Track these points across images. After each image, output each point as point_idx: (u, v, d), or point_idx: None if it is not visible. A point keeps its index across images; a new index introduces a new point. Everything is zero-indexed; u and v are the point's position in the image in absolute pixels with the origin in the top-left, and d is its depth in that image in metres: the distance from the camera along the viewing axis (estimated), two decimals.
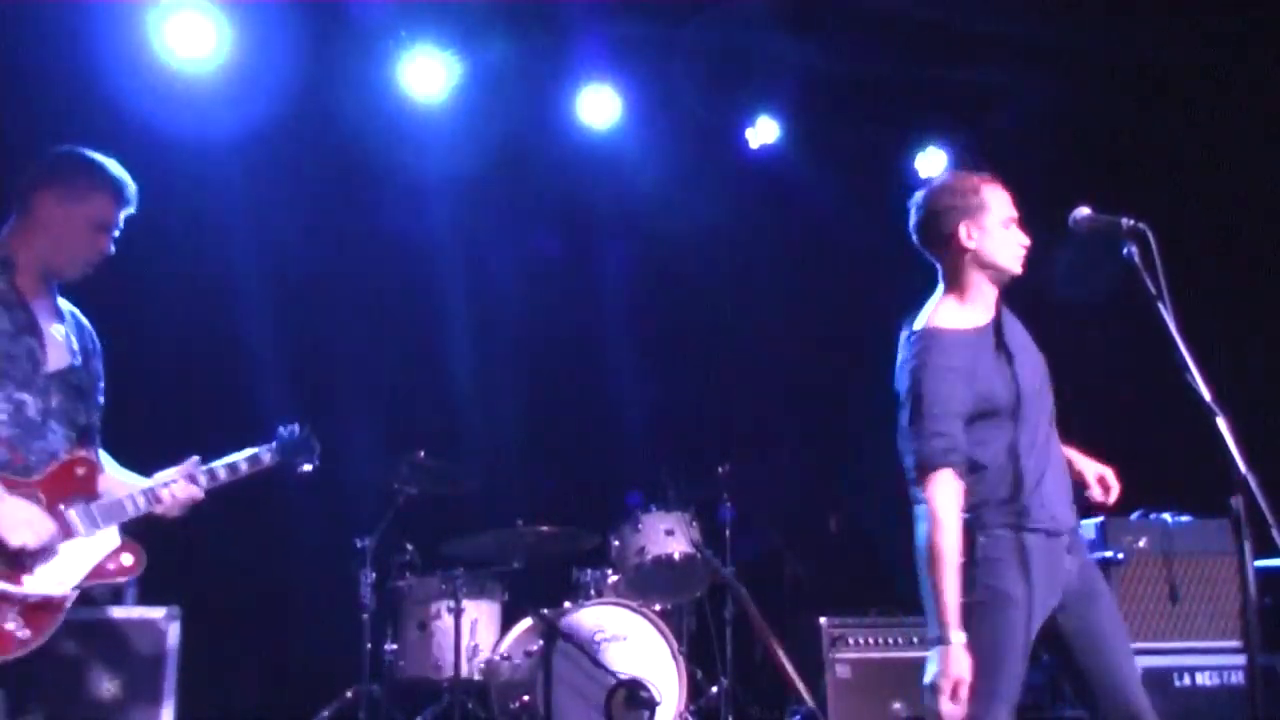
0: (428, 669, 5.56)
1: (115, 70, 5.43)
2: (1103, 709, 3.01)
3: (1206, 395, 2.81)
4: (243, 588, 5.79)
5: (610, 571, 5.70)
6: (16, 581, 2.88)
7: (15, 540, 2.86)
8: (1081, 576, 3.08)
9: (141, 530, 3.17)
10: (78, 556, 3.00)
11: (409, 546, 5.77)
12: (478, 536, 5.56)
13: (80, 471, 3.06)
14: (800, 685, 5.08)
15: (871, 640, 5.50)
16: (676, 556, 5.53)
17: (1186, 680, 4.83)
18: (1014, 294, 3.48)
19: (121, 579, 3.08)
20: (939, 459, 2.96)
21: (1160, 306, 2.98)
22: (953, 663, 2.84)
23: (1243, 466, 2.70)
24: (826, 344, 7.28)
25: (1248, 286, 6.18)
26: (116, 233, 3.20)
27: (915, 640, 5.54)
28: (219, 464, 3.29)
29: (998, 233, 3.20)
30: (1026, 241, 3.21)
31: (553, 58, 6.43)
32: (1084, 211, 3.18)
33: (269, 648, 6.04)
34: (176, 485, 3.16)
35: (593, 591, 5.62)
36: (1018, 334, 3.28)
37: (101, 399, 3.30)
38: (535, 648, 5.09)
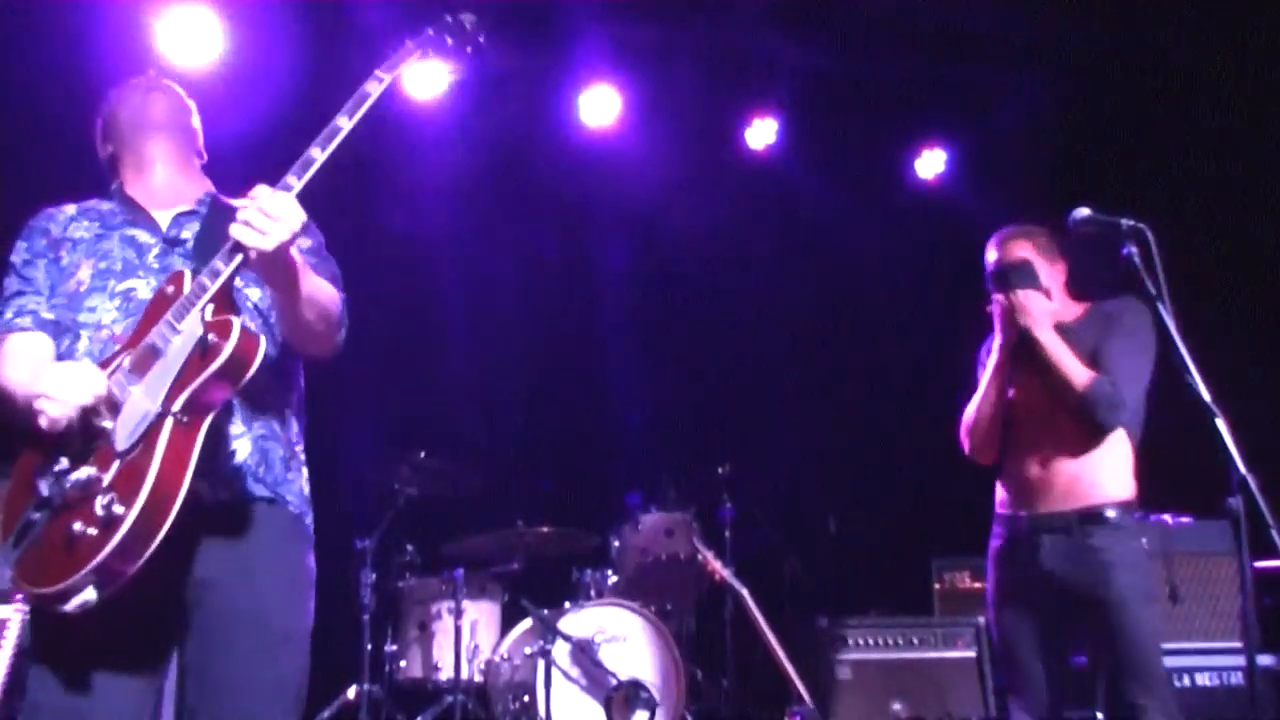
0: (428, 669, 5.56)
1: (115, 70, 5.42)
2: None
3: (1206, 395, 2.82)
4: None
5: (610, 572, 5.70)
6: (98, 465, 2.20)
7: (53, 411, 2.23)
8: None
9: None
10: (159, 380, 2.24)
11: (409, 547, 5.77)
12: (478, 537, 5.56)
13: (168, 292, 2.35)
14: (800, 685, 5.08)
15: (871, 640, 5.49)
16: (678, 557, 5.53)
17: (1186, 680, 4.83)
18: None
19: (212, 366, 2.19)
20: None
21: (1160, 306, 2.98)
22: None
23: (1242, 467, 2.70)
24: (826, 344, 7.28)
25: (1247, 286, 6.18)
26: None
27: (915, 640, 5.54)
28: (310, 149, 2.51)
29: None
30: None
31: (553, 58, 6.42)
32: (1084, 212, 3.19)
33: None
34: (247, 204, 2.25)
35: (593, 592, 5.61)
36: None
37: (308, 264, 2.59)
38: (535, 648, 5.08)
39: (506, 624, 5.66)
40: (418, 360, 6.57)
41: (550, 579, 5.79)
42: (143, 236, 2.56)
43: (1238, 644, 4.83)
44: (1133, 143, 6.57)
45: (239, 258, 2.24)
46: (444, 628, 5.52)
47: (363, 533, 5.52)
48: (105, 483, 2.18)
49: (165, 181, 2.68)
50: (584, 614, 5.21)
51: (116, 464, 2.20)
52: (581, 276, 7.20)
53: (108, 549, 2.12)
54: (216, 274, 2.25)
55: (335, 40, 5.95)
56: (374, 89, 2.52)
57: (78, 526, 2.16)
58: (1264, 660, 4.88)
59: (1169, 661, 4.76)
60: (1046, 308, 3.52)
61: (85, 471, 2.20)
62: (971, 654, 5.53)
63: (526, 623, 5.45)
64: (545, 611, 5.23)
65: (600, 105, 6.69)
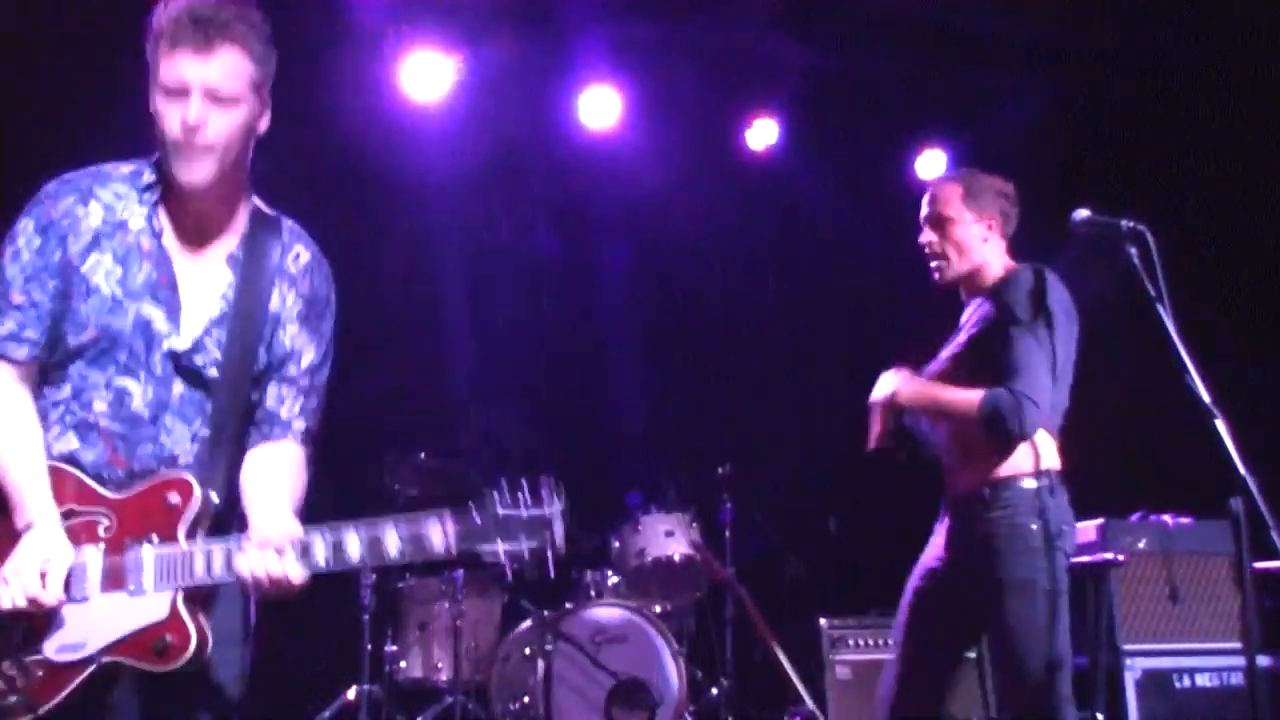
0: (428, 669, 5.56)
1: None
2: None
3: (1205, 397, 2.82)
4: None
5: (610, 572, 5.70)
6: (33, 636, 2.19)
7: (5, 599, 2.14)
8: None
9: None
10: (113, 617, 2.18)
11: None
12: None
13: (171, 500, 2.23)
14: (800, 685, 5.08)
15: (871, 640, 5.49)
16: (676, 558, 5.53)
17: (1186, 681, 4.82)
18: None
19: (155, 667, 2.16)
20: None
21: (1160, 308, 2.98)
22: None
23: (1242, 468, 2.70)
24: (827, 344, 7.28)
25: (1248, 287, 6.18)
26: (202, 90, 2.31)
27: None
28: (347, 534, 2.37)
29: None
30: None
31: (553, 58, 6.42)
32: (1084, 213, 3.19)
33: (269, 648, 6.02)
34: (253, 557, 2.16)
35: (593, 592, 5.62)
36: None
37: (299, 385, 2.42)
38: (535, 648, 5.09)
39: (506, 624, 5.66)
40: (418, 360, 6.57)
41: (550, 579, 5.79)
42: (159, 323, 2.29)
43: (1238, 644, 4.83)
44: (1133, 143, 6.57)
45: (230, 578, 2.19)
46: (444, 628, 5.52)
47: None
48: (19, 685, 2.16)
49: (220, 228, 2.42)
50: (584, 614, 5.21)
51: (42, 672, 2.17)
52: (581, 276, 7.20)
53: None
54: (209, 567, 2.18)
55: (335, 39, 5.95)
56: (437, 542, 2.39)
57: None
58: (1264, 660, 4.87)
59: (1169, 662, 4.79)
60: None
61: (11, 666, 2.18)
62: (971, 654, 5.53)
63: (526, 622, 5.45)
64: (545, 612, 5.23)
65: (600, 106, 6.68)
